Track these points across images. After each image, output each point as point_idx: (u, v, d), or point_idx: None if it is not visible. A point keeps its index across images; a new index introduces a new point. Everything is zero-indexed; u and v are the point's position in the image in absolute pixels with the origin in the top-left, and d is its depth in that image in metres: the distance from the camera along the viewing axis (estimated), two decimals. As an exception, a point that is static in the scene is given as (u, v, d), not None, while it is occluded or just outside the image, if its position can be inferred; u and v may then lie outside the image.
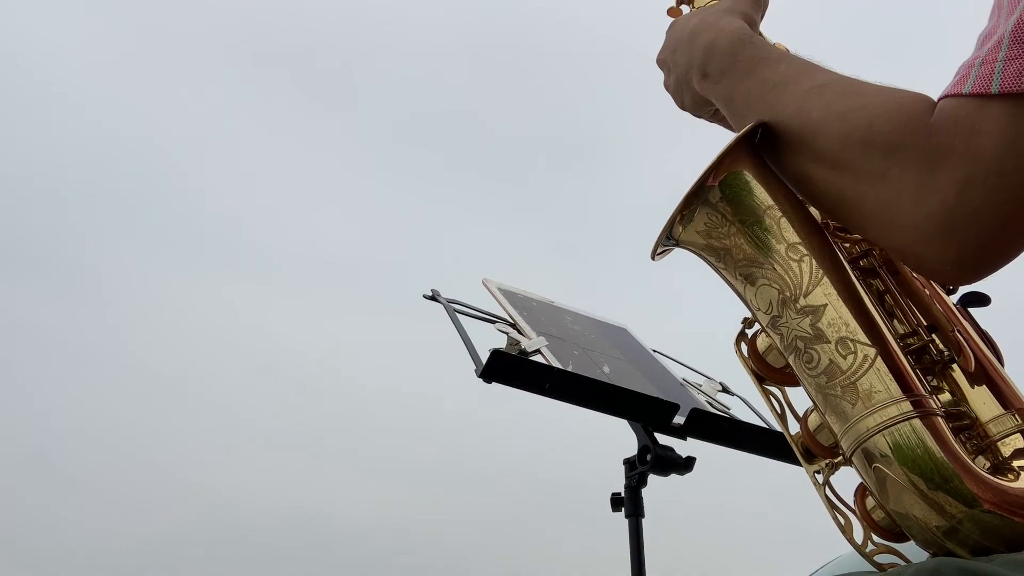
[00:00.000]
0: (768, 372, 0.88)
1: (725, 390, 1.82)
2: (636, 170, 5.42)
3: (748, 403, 1.78)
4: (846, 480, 0.82)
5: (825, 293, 0.77)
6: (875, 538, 0.79)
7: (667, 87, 0.98)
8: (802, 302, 0.78)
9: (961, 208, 0.64)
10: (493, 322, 1.60)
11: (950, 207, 0.65)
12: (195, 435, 4.73)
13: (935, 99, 0.68)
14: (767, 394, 0.89)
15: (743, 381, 1.80)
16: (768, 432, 1.66)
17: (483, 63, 5.53)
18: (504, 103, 5.56)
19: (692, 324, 4.66)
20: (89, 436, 4.62)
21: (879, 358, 0.74)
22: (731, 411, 1.74)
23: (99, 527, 4.34)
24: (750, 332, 0.90)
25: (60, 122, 5.13)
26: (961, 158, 0.64)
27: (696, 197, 0.82)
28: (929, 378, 0.78)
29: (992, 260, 0.69)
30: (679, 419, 1.56)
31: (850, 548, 0.96)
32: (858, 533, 0.81)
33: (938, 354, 0.79)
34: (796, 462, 1.60)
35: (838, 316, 0.76)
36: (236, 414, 4.84)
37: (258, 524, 4.54)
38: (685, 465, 1.53)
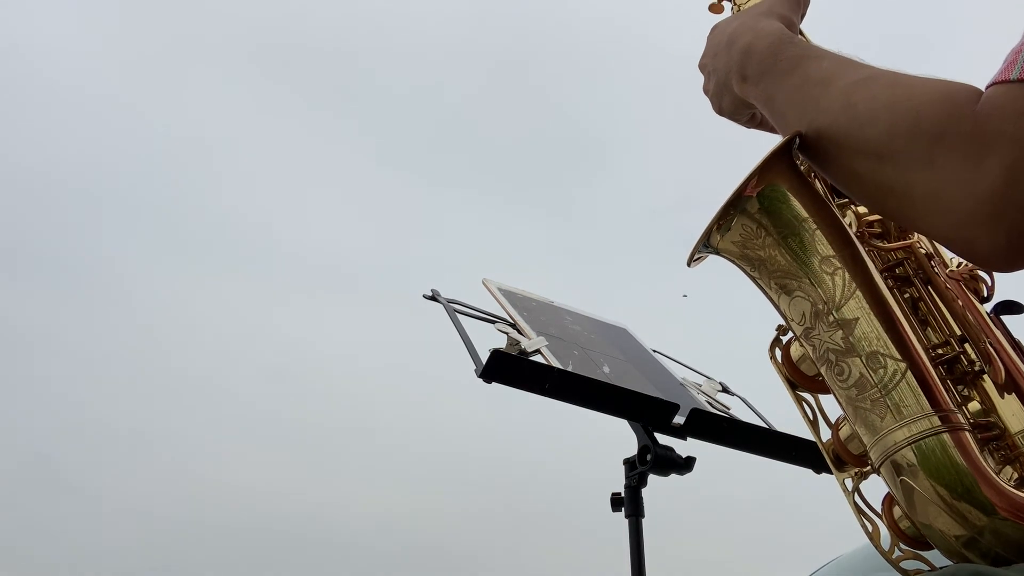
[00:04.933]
0: (801, 380, 0.89)
1: (725, 390, 1.82)
2: (640, 172, 5.42)
3: (748, 403, 1.78)
4: (874, 487, 0.82)
5: (857, 307, 0.78)
6: (902, 545, 0.80)
7: (706, 91, 0.97)
8: (834, 315, 0.78)
9: (1010, 192, 0.64)
10: (493, 322, 1.59)
11: (999, 191, 0.64)
12: (197, 435, 4.73)
13: (982, 89, 0.68)
14: (800, 401, 0.90)
15: (744, 381, 1.81)
16: (768, 432, 1.66)
17: (486, 63, 5.53)
18: (508, 103, 5.56)
19: (695, 325, 4.66)
20: (93, 437, 4.62)
21: (909, 372, 0.75)
22: (731, 411, 1.73)
23: (101, 529, 4.34)
24: (784, 339, 0.90)
25: (66, 122, 5.13)
26: (1010, 143, 0.64)
27: (734, 207, 0.82)
28: (960, 387, 0.79)
29: None
30: (679, 419, 1.56)
31: (850, 548, 0.96)
32: (885, 539, 0.81)
33: (969, 364, 0.80)
34: (796, 463, 1.60)
35: (869, 330, 0.77)
36: (240, 414, 4.84)
37: (262, 523, 4.54)
38: (685, 465, 1.53)
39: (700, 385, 1.79)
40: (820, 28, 0.99)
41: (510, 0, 5.29)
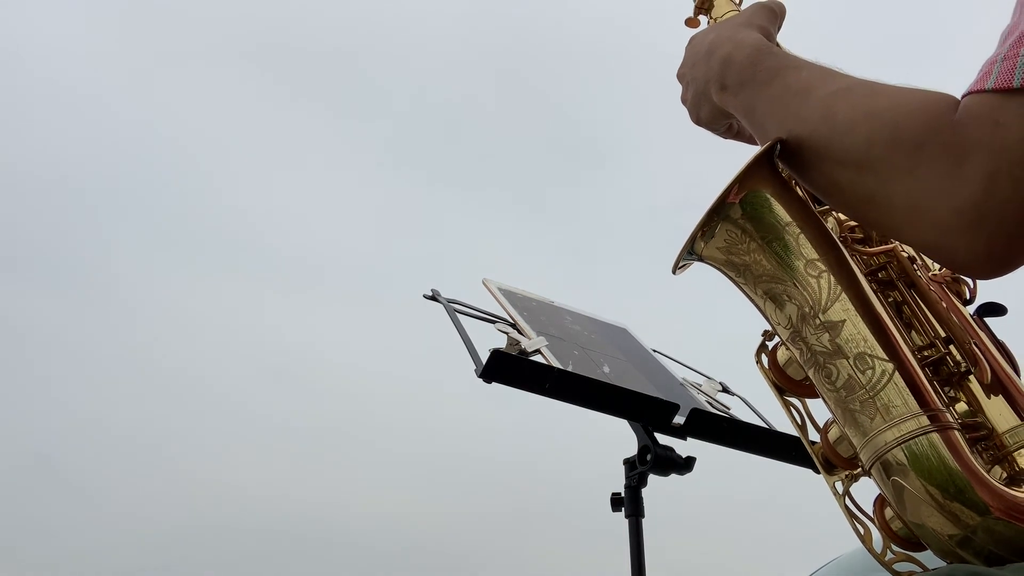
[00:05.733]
0: (788, 384, 0.89)
1: (725, 390, 1.82)
2: (640, 172, 5.42)
3: (748, 403, 1.78)
4: (864, 489, 0.82)
5: (843, 309, 0.78)
6: (894, 547, 0.80)
7: (684, 101, 0.98)
8: (821, 318, 0.79)
9: (988, 201, 0.64)
10: (493, 322, 1.59)
11: (978, 200, 0.65)
12: (197, 435, 4.73)
13: (958, 98, 0.68)
14: (787, 405, 0.90)
15: (744, 381, 1.81)
16: (768, 432, 1.66)
17: (487, 63, 5.53)
18: (508, 103, 5.57)
19: (695, 325, 4.66)
20: (93, 438, 4.62)
21: (896, 373, 0.75)
22: (731, 411, 1.73)
23: (101, 529, 4.34)
24: (770, 344, 0.91)
25: (65, 122, 5.13)
26: (986, 152, 0.64)
27: (717, 213, 0.83)
28: (946, 389, 0.79)
29: (1022, 251, 0.68)
30: (679, 419, 1.56)
31: (850, 549, 0.96)
32: (877, 542, 0.81)
33: (955, 366, 0.80)
34: (796, 463, 1.60)
35: (856, 332, 0.77)
36: (240, 414, 4.84)
37: (262, 523, 4.55)
38: (685, 465, 1.53)
39: (700, 385, 1.79)
40: (820, 29, 0.99)
41: (510, 0, 5.29)
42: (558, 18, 5.26)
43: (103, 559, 4.21)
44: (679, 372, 1.81)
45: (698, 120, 0.97)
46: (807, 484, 1.56)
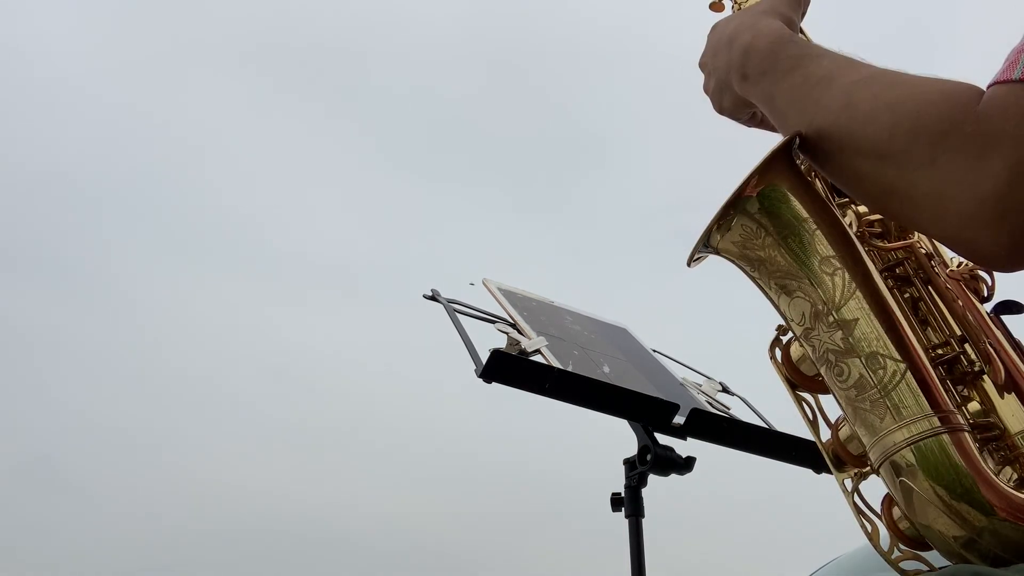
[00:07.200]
0: (801, 380, 0.89)
1: (725, 390, 1.82)
2: (640, 172, 5.41)
3: (748, 403, 1.78)
4: (873, 487, 0.82)
5: (857, 307, 0.78)
6: (901, 545, 0.80)
7: (706, 90, 0.97)
8: (834, 316, 0.78)
9: (1013, 193, 0.63)
10: (493, 322, 1.59)
11: (1002, 192, 0.64)
12: (197, 436, 4.73)
13: (983, 88, 0.67)
14: (800, 400, 0.90)
15: (744, 381, 1.81)
16: (768, 432, 1.66)
17: (486, 62, 5.53)
18: (508, 102, 5.56)
19: (695, 325, 4.66)
20: (93, 438, 4.62)
21: (908, 372, 0.75)
22: (731, 411, 1.73)
23: (101, 529, 4.34)
24: (784, 339, 0.90)
25: (65, 122, 5.13)
26: (1012, 143, 0.63)
27: (734, 207, 0.82)
28: (959, 388, 0.79)
29: None
30: (679, 419, 1.56)
31: (850, 548, 0.96)
32: (884, 539, 0.81)
33: (969, 365, 0.80)
34: (796, 463, 1.60)
35: (869, 330, 0.77)
36: (240, 414, 4.84)
37: (263, 523, 4.54)
38: (685, 465, 1.53)
39: (700, 385, 1.79)
40: (822, 26, 0.99)
41: (510, 0, 5.29)
42: (558, 18, 5.26)
43: (103, 559, 4.21)
44: (679, 372, 1.81)
45: (721, 109, 0.96)
46: (807, 484, 1.56)
